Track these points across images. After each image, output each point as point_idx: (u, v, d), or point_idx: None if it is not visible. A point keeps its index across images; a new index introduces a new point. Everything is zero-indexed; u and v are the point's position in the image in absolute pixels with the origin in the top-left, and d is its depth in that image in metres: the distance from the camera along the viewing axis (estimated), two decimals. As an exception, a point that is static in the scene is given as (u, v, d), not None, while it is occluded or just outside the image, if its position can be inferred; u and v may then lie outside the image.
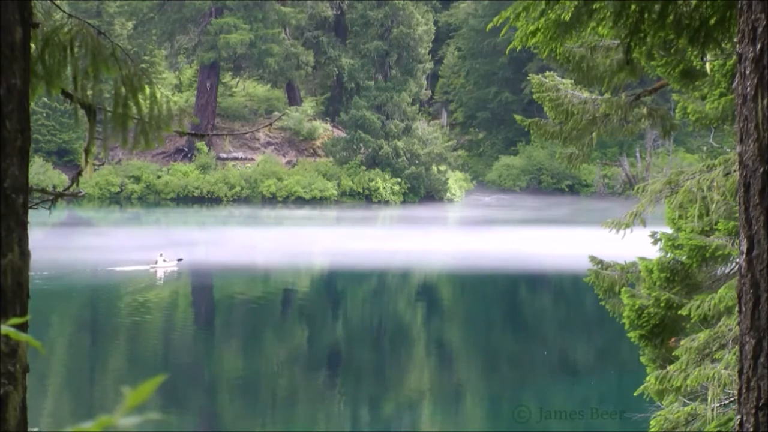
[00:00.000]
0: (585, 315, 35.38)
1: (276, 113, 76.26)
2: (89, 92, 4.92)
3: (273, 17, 72.07)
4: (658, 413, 11.98)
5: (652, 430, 11.92)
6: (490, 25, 8.15)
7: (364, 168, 72.16)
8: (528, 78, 18.47)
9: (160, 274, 39.33)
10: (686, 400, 11.66)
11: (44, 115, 67.98)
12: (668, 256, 12.61)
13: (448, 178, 74.59)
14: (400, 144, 71.58)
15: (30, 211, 3.73)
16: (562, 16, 7.15)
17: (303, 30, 75.61)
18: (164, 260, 39.84)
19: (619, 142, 75.33)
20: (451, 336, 33.06)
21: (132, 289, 37.30)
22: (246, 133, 75.01)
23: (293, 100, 78.64)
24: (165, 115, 5.15)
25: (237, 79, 79.36)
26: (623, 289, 12.82)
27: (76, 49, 4.70)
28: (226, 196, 69.49)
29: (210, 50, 70.85)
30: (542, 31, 7.35)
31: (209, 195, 69.33)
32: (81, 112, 4.99)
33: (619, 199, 67.65)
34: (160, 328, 31.36)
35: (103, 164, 67.09)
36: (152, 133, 5.11)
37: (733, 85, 4.79)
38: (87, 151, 5.35)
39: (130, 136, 5.13)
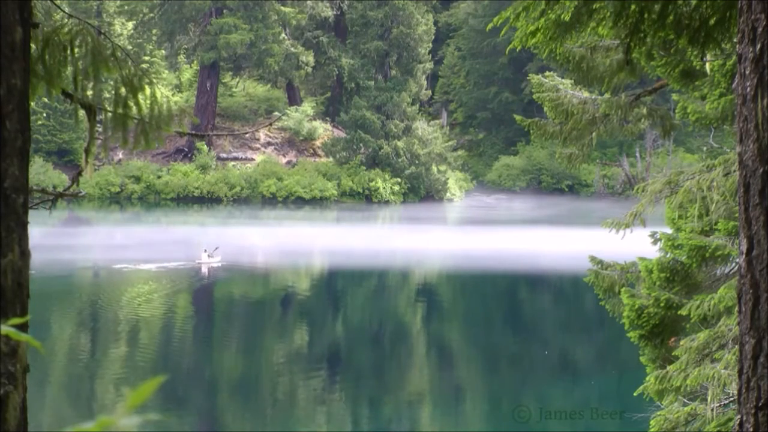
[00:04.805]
0: (585, 315, 35.37)
1: (276, 113, 76.27)
2: (89, 92, 4.92)
3: (273, 17, 72.07)
4: (658, 413, 11.97)
5: (652, 430, 11.92)
6: (490, 25, 8.15)
7: (364, 168, 72.17)
8: (528, 78, 18.48)
9: (204, 270, 39.88)
10: (686, 400, 11.66)
11: (44, 115, 67.98)
12: (668, 256, 12.61)
13: (448, 178, 74.61)
14: (400, 144, 71.58)
15: (30, 211, 3.73)
16: (562, 16, 7.15)
17: (303, 30, 75.61)
18: (209, 256, 40.50)
19: (619, 142, 75.35)
20: (451, 336, 33.06)
21: (132, 289, 37.31)
22: (246, 133, 75.02)
23: (293, 100, 78.64)
24: (165, 115, 5.15)
25: (237, 79, 79.37)
26: (623, 289, 12.82)
27: (76, 49, 4.70)
28: (226, 196, 69.49)
29: (210, 50, 70.86)
30: (542, 31, 7.35)
31: (209, 195, 69.33)
32: (81, 112, 4.99)
33: (619, 199, 67.67)
34: (159, 328, 31.36)
35: (103, 164, 67.08)
36: (152, 133, 5.11)
37: (733, 85, 4.79)
38: (87, 151, 5.35)
39: (130, 136, 5.13)
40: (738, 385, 4.07)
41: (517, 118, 15.46)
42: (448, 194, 74.93)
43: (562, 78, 13.87)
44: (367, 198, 71.65)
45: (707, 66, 11.01)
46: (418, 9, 74.07)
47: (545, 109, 13.40)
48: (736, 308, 4.15)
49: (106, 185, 67.87)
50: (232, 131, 70.46)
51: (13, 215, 3.53)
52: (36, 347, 2.12)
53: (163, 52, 75.91)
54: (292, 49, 73.59)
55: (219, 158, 72.18)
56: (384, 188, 71.34)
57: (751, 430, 3.97)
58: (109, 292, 37.16)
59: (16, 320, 3.35)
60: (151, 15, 73.22)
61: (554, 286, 42.23)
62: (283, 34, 73.16)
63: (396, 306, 38.01)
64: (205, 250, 40.91)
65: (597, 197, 74.86)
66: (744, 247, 4.04)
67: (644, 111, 13.33)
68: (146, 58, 72.59)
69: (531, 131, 14.02)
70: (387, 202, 71.26)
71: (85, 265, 42.72)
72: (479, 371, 27.91)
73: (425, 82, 77.12)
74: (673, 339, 12.43)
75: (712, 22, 6.63)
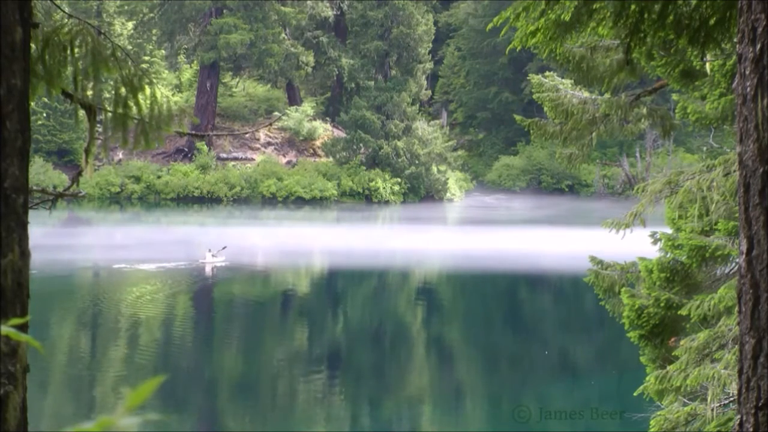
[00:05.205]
0: (585, 315, 35.37)
1: (276, 113, 76.28)
2: (89, 92, 4.92)
3: (273, 17, 72.09)
4: (658, 413, 11.97)
5: (652, 430, 11.91)
6: (490, 26, 8.15)
7: (364, 168, 72.19)
8: (528, 78, 18.47)
9: (208, 269, 39.98)
10: (686, 400, 11.66)
11: (44, 115, 67.98)
12: (668, 256, 12.61)
13: (448, 178, 74.61)
14: (400, 144, 71.60)
15: (30, 211, 3.73)
16: (562, 16, 7.15)
17: (303, 30, 75.62)
18: (213, 255, 40.60)
19: (619, 142, 75.36)
20: (451, 336, 33.05)
21: (132, 288, 37.30)
22: (246, 133, 75.03)
23: (293, 100, 78.64)
24: (165, 115, 5.15)
25: (237, 79, 79.36)
26: (623, 289, 12.81)
27: (76, 49, 4.70)
28: (226, 196, 69.50)
29: (210, 50, 70.86)
30: (542, 31, 7.35)
31: (209, 195, 69.34)
32: (81, 112, 4.99)
33: (619, 199, 67.68)
34: (159, 327, 31.35)
35: (103, 164, 67.08)
36: (152, 133, 5.11)
37: (733, 85, 4.79)
38: (87, 151, 5.35)
39: (130, 136, 5.13)
40: (738, 385, 4.07)
41: (517, 118, 15.46)
42: (448, 194, 74.94)
43: (562, 78, 13.87)
44: (367, 198, 71.65)
45: (707, 66, 11.01)
46: (418, 9, 74.08)
47: (545, 109, 13.40)
48: (736, 308, 4.15)
49: (106, 185, 67.87)
50: (232, 131, 70.45)
51: (13, 215, 3.53)
52: (36, 347, 2.12)
53: (163, 52, 75.92)
54: (292, 49, 73.59)
55: (219, 158, 72.18)
56: (384, 188, 71.34)
57: (751, 430, 3.97)
58: (109, 292, 37.14)
59: (16, 320, 3.35)
60: (151, 15, 73.22)
61: (554, 286, 42.23)
62: (283, 34, 73.16)
63: (396, 306, 38.01)
64: (210, 250, 41.00)
65: (597, 197, 74.86)
66: (744, 247, 4.04)
67: (644, 111, 13.33)
68: (146, 58, 72.58)
69: (531, 131, 14.01)
70: (387, 202, 71.27)
71: (85, 265, 42.73)
72: (479, 371, 27.90)
73: (425, 82, 77.14)
74: (673, 339, 12.43)
75: (712, 22, 6.63)
